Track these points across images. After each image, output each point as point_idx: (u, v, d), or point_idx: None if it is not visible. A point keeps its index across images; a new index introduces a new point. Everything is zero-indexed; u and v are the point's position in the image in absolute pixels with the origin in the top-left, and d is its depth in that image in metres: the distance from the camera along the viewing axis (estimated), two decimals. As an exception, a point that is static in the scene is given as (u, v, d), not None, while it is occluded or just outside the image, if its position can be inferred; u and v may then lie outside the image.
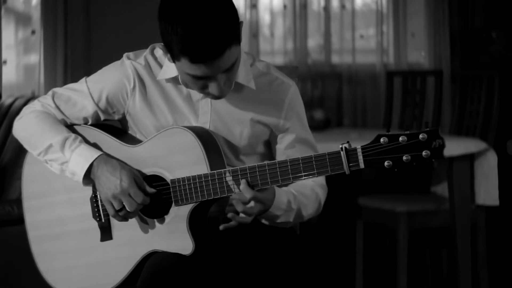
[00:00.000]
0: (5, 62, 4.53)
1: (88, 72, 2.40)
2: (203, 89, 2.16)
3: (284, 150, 2.32)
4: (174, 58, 2.12)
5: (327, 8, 5.32)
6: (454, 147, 3.78)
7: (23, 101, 3.81)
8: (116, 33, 4.98)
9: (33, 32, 4.70)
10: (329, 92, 5.26)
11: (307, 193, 2.30)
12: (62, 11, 4.73)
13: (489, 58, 5.21)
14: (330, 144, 2.49)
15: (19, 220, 2.49)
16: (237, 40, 2.10)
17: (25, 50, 4.78)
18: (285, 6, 5.31)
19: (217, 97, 2.18)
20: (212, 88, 2.13)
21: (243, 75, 2.26)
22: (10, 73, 4.61)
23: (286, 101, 2.30)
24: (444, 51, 5.29)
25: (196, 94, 2.28)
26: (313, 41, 5.35)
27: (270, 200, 2.18)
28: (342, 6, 5.33)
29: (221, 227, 2.17)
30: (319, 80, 5.25)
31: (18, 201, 3.45)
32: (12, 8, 4.74)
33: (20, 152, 3.59)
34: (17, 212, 3.44)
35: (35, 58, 4.69)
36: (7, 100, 3.93)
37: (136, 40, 3.06)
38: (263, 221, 2.26)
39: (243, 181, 2.11)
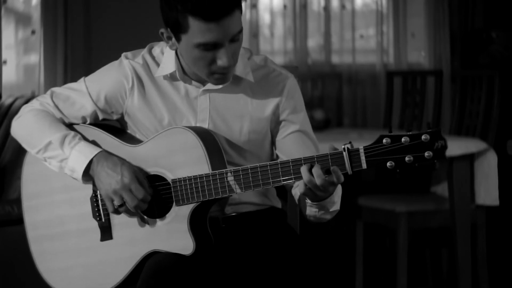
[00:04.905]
0: (5, 62, 4.53)
1: (88, 72, 2.40)
2: (211, 66, 2.15)
3: (283, 139, 2.32)
4: (181, 32, 2.12)
5: (327, 8, 5.31)
6: (454, 147, 3.78)
7: (23, 101, 3.80)
8: (116, 33, 4.98)
9: (33, 32, 4.70)
10: (329, 92, 5.25)
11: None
12: (62, 11, 4.72)
13: (489, 58, 5.21)
14: (330, 144, 2.47)
15: (19, 220, 2.48)
16: (241, 9, 2.13)
17: (25, 50, 4.77)
18: (285, 6, 5.31)
19: (224, 73, 2.17)
20: (222, 57, 2.13)
21: (241, 68, 2.26)
22: (10, 73, 4.60)
23: (284, 91, 2.30)
24: (444, 51, 5.29)
25: (194, 91, 2.28)
26: (313, 41, 5.35)
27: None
28: (342, 6, 5.33)
29: None
30: (319, 80, 5.24)
31: (18, 201, 3.45)
32: (12, 8, 4.74)
33: (20, 152, 3.57)
34: (17, 212, 3.44)
35: (35, 58, 4.69)
36: (7, 100, 3.92)
37: (136, 40, 3.05)
38: (317, 210, 2.23)
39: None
